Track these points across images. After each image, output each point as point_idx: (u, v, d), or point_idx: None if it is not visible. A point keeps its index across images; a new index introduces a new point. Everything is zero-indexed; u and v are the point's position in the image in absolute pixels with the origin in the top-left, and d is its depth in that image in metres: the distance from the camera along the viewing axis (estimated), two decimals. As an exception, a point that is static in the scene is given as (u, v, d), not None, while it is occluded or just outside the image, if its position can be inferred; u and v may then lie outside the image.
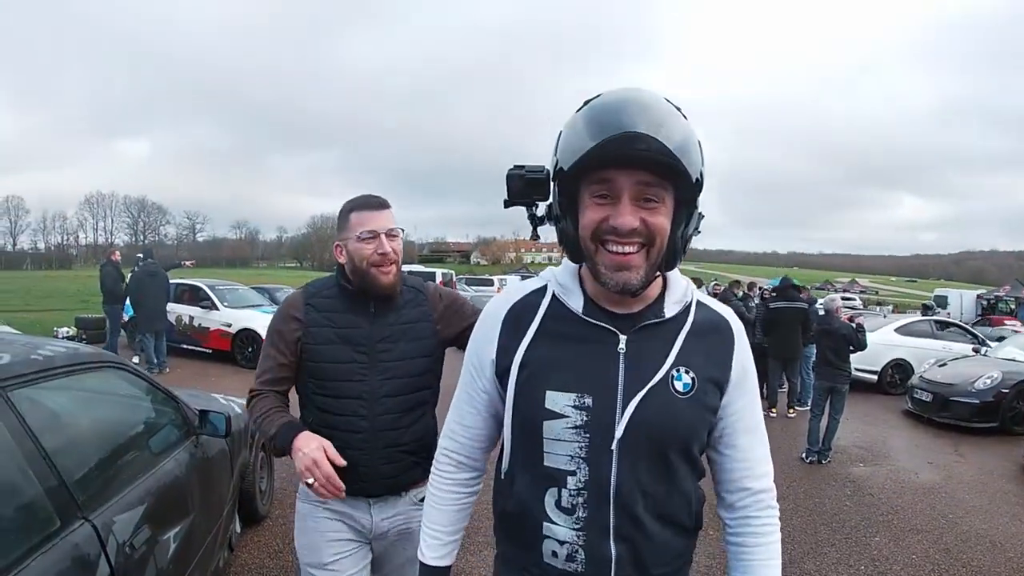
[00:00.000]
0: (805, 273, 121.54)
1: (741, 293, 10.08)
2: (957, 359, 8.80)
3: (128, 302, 9.43)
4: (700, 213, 1.00)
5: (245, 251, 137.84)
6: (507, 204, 1.04)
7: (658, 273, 1.01)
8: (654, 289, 1.04)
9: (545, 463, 1.02)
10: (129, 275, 9.61)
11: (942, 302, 26.54)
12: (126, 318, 10.08)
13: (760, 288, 10.37)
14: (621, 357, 1.00)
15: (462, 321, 1.74)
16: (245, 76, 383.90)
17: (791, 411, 8.09)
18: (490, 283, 29.15)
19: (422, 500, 1.27)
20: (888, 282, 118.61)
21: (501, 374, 1.07)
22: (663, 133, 0.88)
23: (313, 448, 1.45)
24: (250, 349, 9.87)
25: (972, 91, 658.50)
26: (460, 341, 1.68)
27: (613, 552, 1.01)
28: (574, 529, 1.01)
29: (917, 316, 13.46)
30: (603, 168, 0.92)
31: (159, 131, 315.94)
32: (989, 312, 25.99)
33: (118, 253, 10.49)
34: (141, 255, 10.00)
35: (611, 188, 0.92)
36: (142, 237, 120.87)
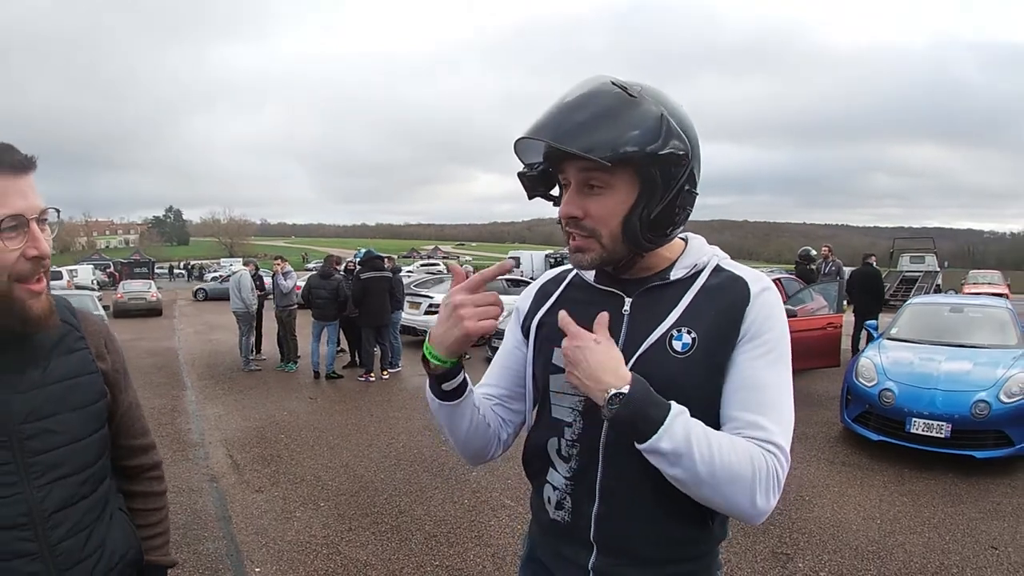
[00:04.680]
0: (392, 243, 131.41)
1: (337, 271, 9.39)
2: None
3: None
4: (683, 189, 0.98)
5: None
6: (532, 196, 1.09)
7: (639, 252, 1.02)
8: (667, 255, 1.06)
9: (552, 414, 1.09)
10: None
11: (516, 262, 31.03)
12: None
13: (347, 262, 10.09)
14: (625, 318, 1.03)
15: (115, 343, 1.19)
16: None
17: (385, 373, 8.56)
18: (58, 276, 22.99)
19: None
20: (470, 248, 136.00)
21: (525, 334, 1.16)
22: (553, 124, 0.93)
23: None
24: None
25: (537, 87, 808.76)
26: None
27: (595, 508, 1.02)
28: (566, 477, 1.06)
29: (495, 275, 15.41)
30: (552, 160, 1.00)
31: None
32: (556, 267, 31.78)
33: None
34: None
35: (566, 178, 1.00)
36: None
